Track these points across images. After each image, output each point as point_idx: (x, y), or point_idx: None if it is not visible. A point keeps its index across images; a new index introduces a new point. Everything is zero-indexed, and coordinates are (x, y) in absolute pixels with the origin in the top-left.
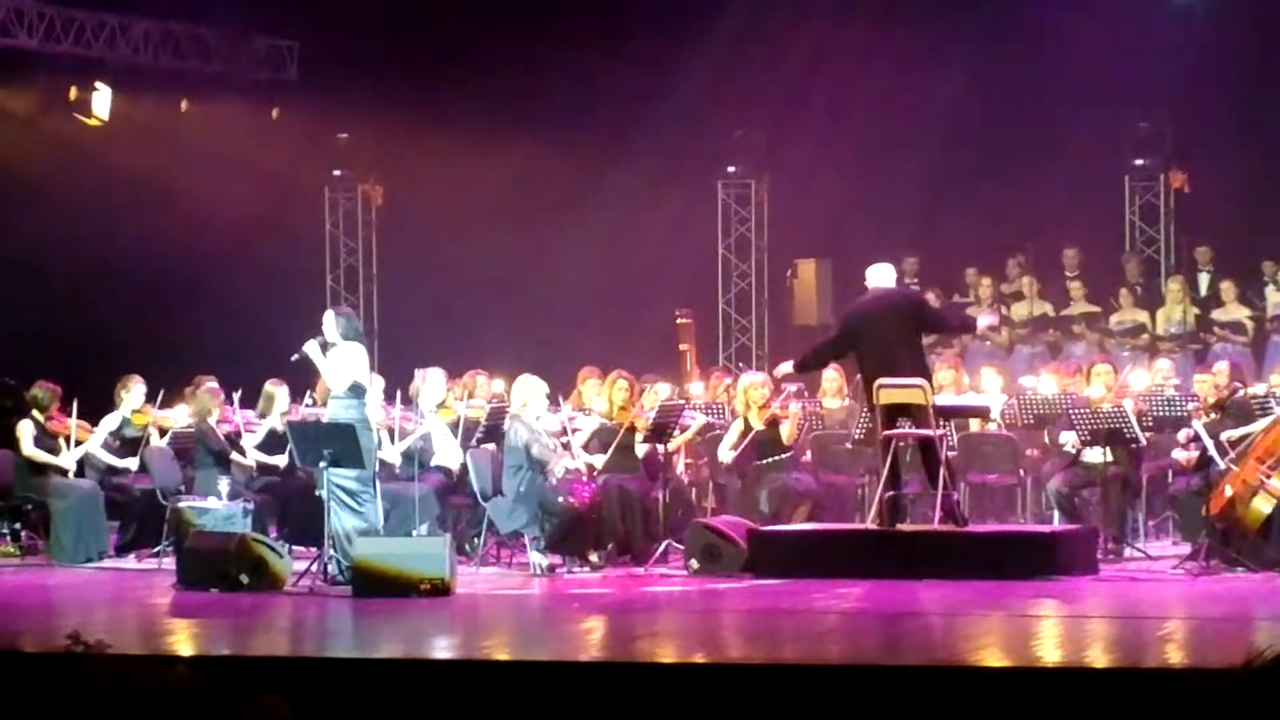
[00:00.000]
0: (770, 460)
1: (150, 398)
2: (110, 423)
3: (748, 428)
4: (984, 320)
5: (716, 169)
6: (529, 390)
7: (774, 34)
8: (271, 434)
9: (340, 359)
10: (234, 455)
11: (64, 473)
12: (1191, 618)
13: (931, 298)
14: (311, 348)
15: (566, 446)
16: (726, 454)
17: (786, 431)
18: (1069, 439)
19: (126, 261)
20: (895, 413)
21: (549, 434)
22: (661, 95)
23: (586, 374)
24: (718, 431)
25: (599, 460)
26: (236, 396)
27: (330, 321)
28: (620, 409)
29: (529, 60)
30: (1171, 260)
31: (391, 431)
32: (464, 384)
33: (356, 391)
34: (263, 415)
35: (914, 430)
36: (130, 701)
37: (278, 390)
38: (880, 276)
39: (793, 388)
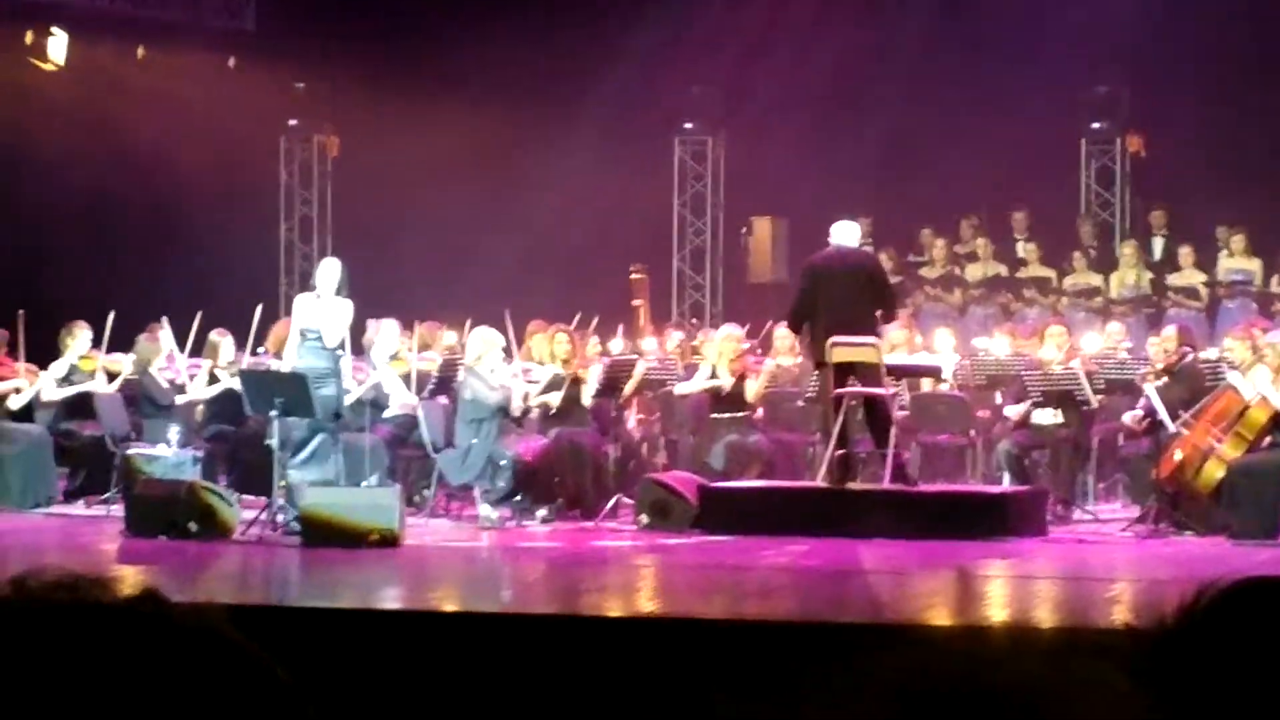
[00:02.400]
0: (728, 415)
1: (96, 343)
2: (58, 369)
3: (713, 377)
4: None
5: (673, 126)
6: (484, 343)
7: None
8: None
9: (340, 312)
10: (178, 399)
11: (16, 417)
12: (1139, 579)
13: (884, 258)
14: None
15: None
16: (682, 388)
17: (752, 389)
18: (1014, 411)
19: (79, 208)
20: (846, 371)
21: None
22: (619, 51)
23: (535, 329)
24: (669, 387)
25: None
26: (188, 345)
27: (334, 272)
28: (563, 362)
29: (486, 14)
30: (1127, 224)
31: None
32: (419, 336)
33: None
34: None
35: (864, 389)
36: (75, 607)
37: (222, 340)
38: (844, 234)
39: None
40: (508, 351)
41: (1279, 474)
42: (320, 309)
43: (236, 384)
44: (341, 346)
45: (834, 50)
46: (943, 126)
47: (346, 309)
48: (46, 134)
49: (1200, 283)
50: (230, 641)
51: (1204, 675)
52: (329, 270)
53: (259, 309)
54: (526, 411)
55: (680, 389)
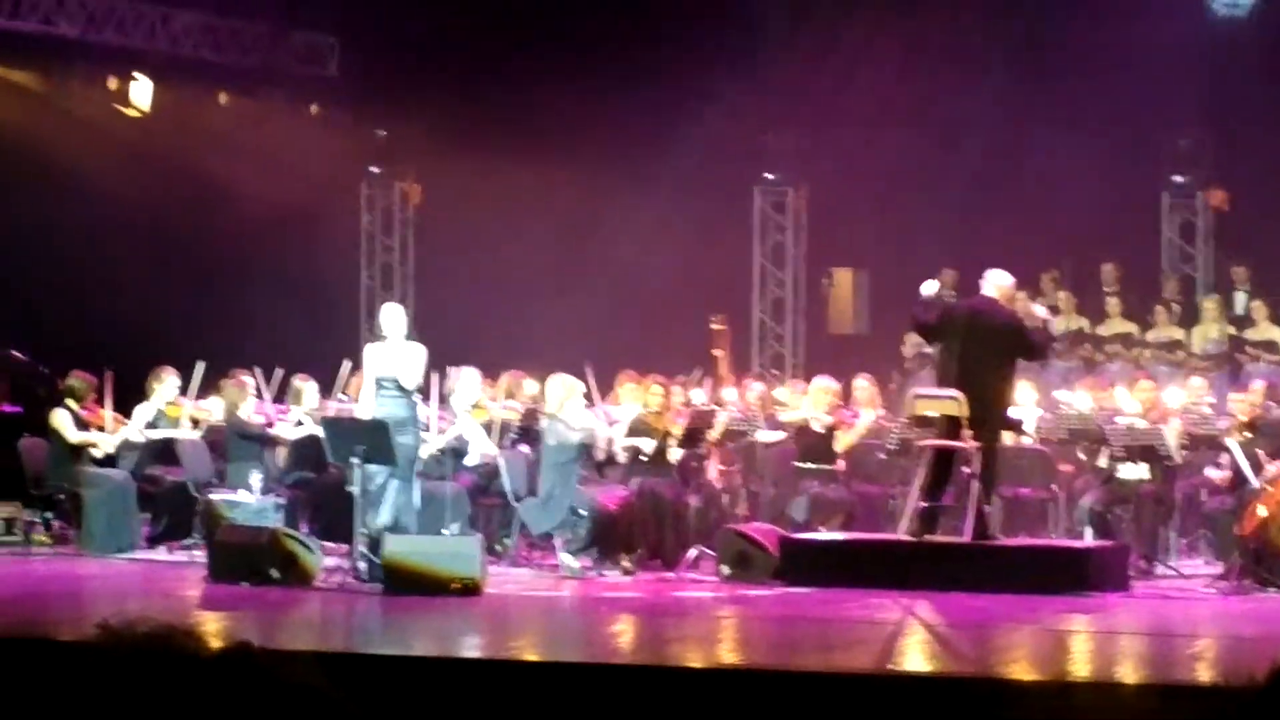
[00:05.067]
0: (812, 466)
1: (183, 390)
2: (144, 413)
3: (805, 423)
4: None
5: (754, 176)
6: (565, 389)
7: (813, 42)
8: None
9: (413, 355)
10: (274, 432)
11: (100, 462)
12: (1222, 636)
13: None
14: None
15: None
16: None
17: (843, 441)
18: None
19: (162, 254)
20: (956, 425)
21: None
22: (700, 101)
23: (625, 378)
24: (750, 439)
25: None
26: (270, 392)
27: (399, 317)
28: (655, 414)
29: (567, 64)
30: (1210, 279)
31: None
32: (504, 385)
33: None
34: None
35: (946, 441)
36: (168, 661)
37: (305, 385)
38: (990, 284)
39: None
40: (588, 398)
41: None
42: (391, 355)
43: (319, 430)
44: (419, 392)
45: (915, 102)
46: (1024, 179)
47: (418, 352)
48: (130, 179)
49: (1278, 337)
50: (323, 694)
51: None
52: (394, 316)
53: (346, 364)
54: (611, 458)
55: (768, 434)
